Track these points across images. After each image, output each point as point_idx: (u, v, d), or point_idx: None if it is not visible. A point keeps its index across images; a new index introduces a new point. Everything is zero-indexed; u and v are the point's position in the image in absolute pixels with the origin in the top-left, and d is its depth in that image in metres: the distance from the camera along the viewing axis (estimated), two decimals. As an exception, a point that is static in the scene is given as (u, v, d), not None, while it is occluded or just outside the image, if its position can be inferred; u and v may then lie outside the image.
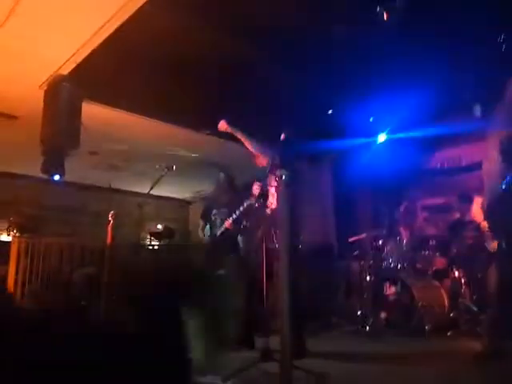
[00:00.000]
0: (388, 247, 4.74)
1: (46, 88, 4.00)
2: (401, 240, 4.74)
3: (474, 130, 4.61)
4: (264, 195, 3.33)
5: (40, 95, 3.98)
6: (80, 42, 3.62)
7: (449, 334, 3.77)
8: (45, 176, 4.11)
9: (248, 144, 3.22)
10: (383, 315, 4.22)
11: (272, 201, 3.19)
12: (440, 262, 4.48)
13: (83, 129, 3.92)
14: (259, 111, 4.58)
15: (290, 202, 2.40)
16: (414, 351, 3.21)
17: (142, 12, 3.23)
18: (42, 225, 6.74)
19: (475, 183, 4.04)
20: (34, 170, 4.29)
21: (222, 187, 4.03)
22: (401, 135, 5.50)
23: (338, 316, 4.66)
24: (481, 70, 4.05)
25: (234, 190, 4.07)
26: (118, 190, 6.99)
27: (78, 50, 3.72)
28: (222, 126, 3.31)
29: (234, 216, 3.76)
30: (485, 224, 2.84)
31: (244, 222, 3.81)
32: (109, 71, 3.93)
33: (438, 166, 5.79)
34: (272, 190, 3.16)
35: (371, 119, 5.36)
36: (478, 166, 4.66)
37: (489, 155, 2.76)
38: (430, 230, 4.89)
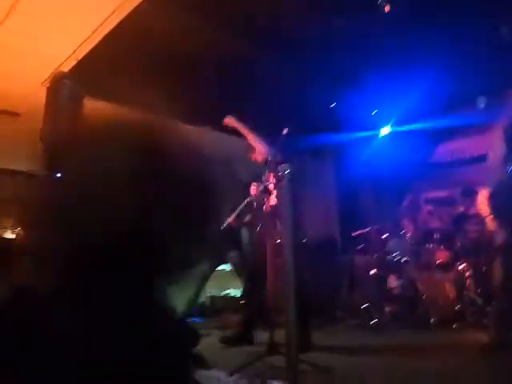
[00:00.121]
0: (392, 241, 4.74)
1: (47, 85, 4.00)
2: (405, 233, 4.73)
3: (478, 121, 4.58)
4: (264, 192, 3.32)
5: (42, 92, 3.98)
6: (80, 39, 3.62)
7: (454, 326, 3.76)
8: (47, 173, 4.11)
9: (252, 139, 3.20)
10: (388, 309, 4.22)
11: (271, 197, 3.17)
12: (444, 255, 4.46)
13: (84, 125, 3.91)
14: (260, 107, 4.57)
15: (292, 198, 2.40)
16: (419, 344, 3.20)
17: (141, 9, 3.23)
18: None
19: (480, 175, 4.01)
20: (37, 167, 4.29)
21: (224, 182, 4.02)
22: (404, 128, 5.48)
23: (343, 310, 4.66)
24: (488, 58, 4.01)
25: (237, 184, 4.06)
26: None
27: (78, 47, 3.72)
28: (229, 121, 3.29)
29: (237, 211, 3.75)
30: (490, 216, 2.82)
31: (247, 217, 3.80)
32: (109, 68, 3.93)
33: (442, 158, 5.76)
34: (270, 187, 3.15)
35: (374, 112, 5.34)
36: (482, 158, 4.65)
37: (494, 145, 2.74)
38: (435, 223, 4.87)
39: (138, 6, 3.20)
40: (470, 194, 4.29)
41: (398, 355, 2.87)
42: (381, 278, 4.47)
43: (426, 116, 5.12)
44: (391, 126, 5.62)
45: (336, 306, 4.72)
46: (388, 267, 4.55)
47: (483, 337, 2.91)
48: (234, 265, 4.01)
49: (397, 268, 4.45)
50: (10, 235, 6.52)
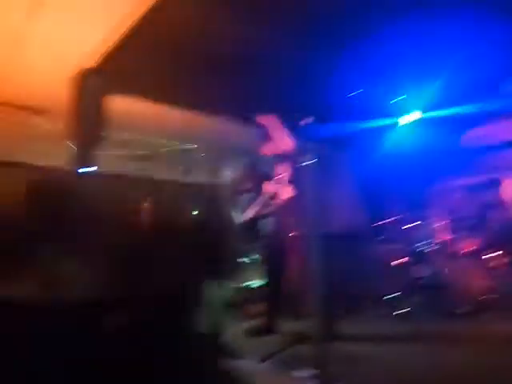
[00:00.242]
0: (420, 229, 4.67)
1: (74, 81, 4.08)
2: (432, 221, 4.65)
3: (508, 106, 4.43)
4: (281, 184, 3.31)
5: (69, 88, 4.06)
6: (107, 33, 3.65)
7: (484, 316, 3.69)
8: (77, 168, 4.21)
9: (277, 132, 3.19)
10: (415, 298, 4.18)
11: (288, 189, 3.16)
12: (474, 243, 4.37)
13: (111, 120, 3.98)
14: (281, 97, 4.54)
15: (315, 188, 2.39)
16: (447, 334, 3.16)
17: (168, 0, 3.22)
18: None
19: (510, 161, 3.91)
20: (68, 162, 4.40)
21: (247, 172, 4.04)
22: (431, 114, 5.35)
23: (369, 299, 4.63)
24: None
25: (259, 174, 4.08)
26: (148, 180, 7.10)
27: (105, 42, 3.76)
28: (268, 120, 3.28)
29: (259, 201, 3.77)
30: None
31: (266, 209, 3.82)
32: (136, 62, 3.97)
33: (471, 144, 5.61)
34: (287, 179, 3.14)
35: (400, 98, 5.23)
36: (512, 143, 4.51)
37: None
38: (464, 211, 4.76)
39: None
40: (500, 180, 4.19)
41: (425, 344, 2.84)
42: (407, 268, 4.42)
43: (454, 101, 4.98)
44: (418, 111, 5.50)
45: (362, 295, 4.70)
46: (415, 256, 4.48)
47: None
48: (255, 256, 4.04)
49: (424, 257, 4.39)
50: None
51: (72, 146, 4.03)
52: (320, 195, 2.59)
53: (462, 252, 4.36)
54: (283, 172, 3.06)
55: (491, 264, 4.10)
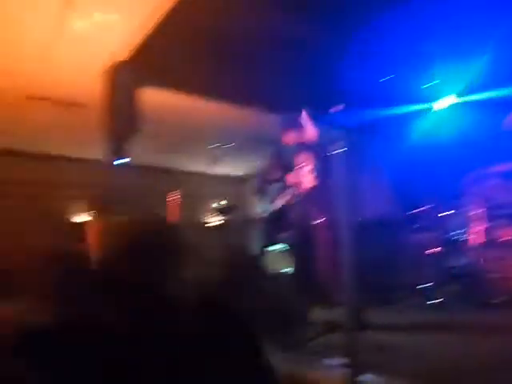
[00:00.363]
0: (455, 217, 4.56)
1: (107, 74, 4.17)
2: (468, 210, 4.52)
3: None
4: (306, 173, 3.30)
5: (104, 81, 4.16)
6: (139, 26, 3.70)
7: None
8: (111, 160, 4.33)
9: (307, 122, 3.18)
10: (450, 287, 4.10)
11: (311, 178, 3.15)
12: (511, 232, 4.23)
13: (143, 113, 4.06)
14: (310, 86, 4.48)
15: (346, 176, 2.37)
16: (481, 324, 3.09)
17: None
18: (113, 206, 7.16)
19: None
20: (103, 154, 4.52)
21: (275, 162, 4.05)
22: (469, 98, 5.16)
23: (403, 289, 4.58)
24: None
25: (286, 164, 4.08)
26: (179, 171, 7.27)
27: (137, 35, 3.82)
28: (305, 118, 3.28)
29: (288, 191, 3.77)
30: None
31: (293, 199, 3.81)
32: (168, 54, 4.00)
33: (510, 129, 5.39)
34: (309, 168, 3.12)
35: (435, 82, 5.07)
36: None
37: None
38: (502, 198, 4.60)
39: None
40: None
41: (459, 335, 2.79)
42: (442, 256, 4.33)
43: (492, 85, 4.79)
44: (453, 96, 5.32)
45: (395, 284, 4.64)
46: (450, 245, 4.38)
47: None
48: (284, 245, 4.06)
49: (459, 246, 4.29)
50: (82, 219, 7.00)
51: (106, 138, 4.15)
52: (350, 183, 2.57)
53: (498, 241, 4.23)
54: (307, 161, 3.05)
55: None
